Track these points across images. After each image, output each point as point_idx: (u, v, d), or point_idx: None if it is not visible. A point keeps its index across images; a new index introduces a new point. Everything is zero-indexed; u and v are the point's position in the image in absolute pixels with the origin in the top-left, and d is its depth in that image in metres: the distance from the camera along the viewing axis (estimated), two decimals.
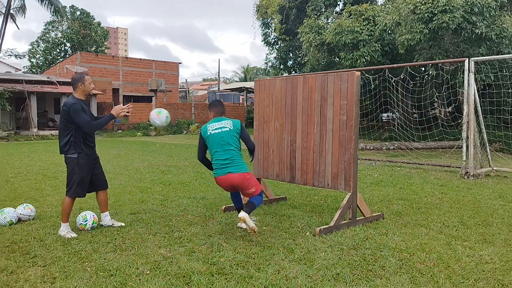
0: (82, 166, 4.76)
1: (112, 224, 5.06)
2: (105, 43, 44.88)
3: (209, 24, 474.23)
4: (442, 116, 19.76)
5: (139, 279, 3.49)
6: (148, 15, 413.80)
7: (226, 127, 4.76)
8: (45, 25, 41.75)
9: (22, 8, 25.00)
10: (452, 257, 4.01)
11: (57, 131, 21.56)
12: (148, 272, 3.64)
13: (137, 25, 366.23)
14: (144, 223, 5.18)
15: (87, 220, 4.88)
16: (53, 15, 32.43)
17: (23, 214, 5.24)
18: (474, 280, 3.52)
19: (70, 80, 28.92)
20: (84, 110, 4.68)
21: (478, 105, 9.13)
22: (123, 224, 5.10)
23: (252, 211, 4.60)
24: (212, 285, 3.40)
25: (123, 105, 5.03)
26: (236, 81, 54.96)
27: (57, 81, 26.48)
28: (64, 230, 4.67)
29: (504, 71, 13.19)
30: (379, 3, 21.02)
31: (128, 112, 4.83)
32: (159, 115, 5.01)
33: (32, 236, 4.62)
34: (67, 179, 4.84)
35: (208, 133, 4.79)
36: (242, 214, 4.38)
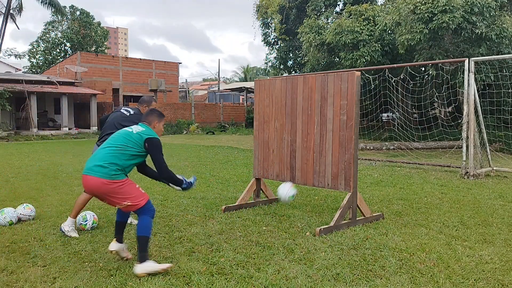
0: None
1: (131, 222, 5.08)
2: (105, 43, 44.86)
3: (208, 24, 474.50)
4: (442, 116, 19.76)
5: (139, 279, 3.49)
6: (145, 15, 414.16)
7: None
8: (45, 25, 41.72)
9: (19, 8, 24.99)
10: (452, 257, 4.01)
11: (57, 131, 21.47)
12: None
13: (134, 24, 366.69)
14: None
15: (87, 220, 4.88)
16: (53, 15, 32.43)
17: (23, 214, 5.23)
18: (474, 280, 3.52)
19: (70, 80, 28.82)
20: None
21: (478, 105, 9.13)
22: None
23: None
24: (212, 285, 3.40)
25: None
26: (236, 81, 54.95)
27: (57, 81, 26.48)
28: (69, 226, 4.64)
29: (504, 71, 13.18)
30: (379, 3, 21.03)
31: None
32: (291, 190, 4.92)
33: (32, 236, 4.62)
34: None
35: None
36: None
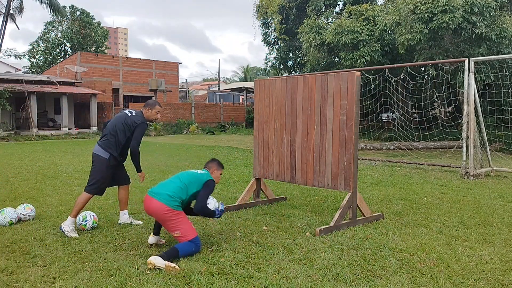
0: (110, 168, 4.89)
1: (131, 222, 5.11)
2: (105, 43, 44.85)
3: (207, 24, 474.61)
4: (442, 116, 19.76)
5: (139, 279, 3.49)
6: (145, 14, 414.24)
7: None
8: (45, 25, 41.72)
9: (20, 8, 25.00)
10: (452, 257, 4.01)
11: (57, 131, 21.50)
12: (148, 272, 3.64)
13: (134, 24, 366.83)
14: (144, 223, 5.18)
15: (87, 220, 4.88)
16: (53, 15, 32.41)
17: (23, 214, 5.23)
18: (474, 280, 3.52)
19: (70, 80, 28.82)
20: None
21: (478, 105, 9.13)
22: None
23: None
24: (212, 285, 3.40)
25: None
26: (236, 81, 54.96)
27: (57, 81, 26.47)
28: (69, 226, 4.64)
29: (504, 71, 13.19)
30: (379, 3, 21.04)
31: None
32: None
33: (32, 236, 4.62)
34: (90, 174, 4.92)
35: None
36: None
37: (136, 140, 4.86)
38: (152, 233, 4.38)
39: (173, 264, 3.68)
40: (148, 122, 5.06)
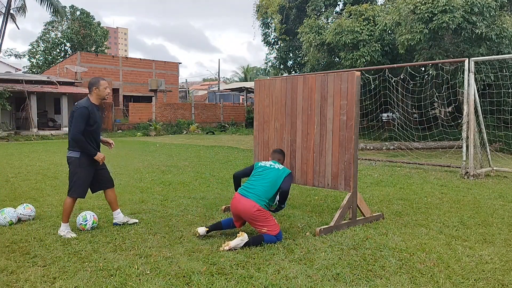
0: (84, 166, 4.74)
1: (127, 221, 5.08)
2: (105, 43, 44.86)
3: (206, 24, 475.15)
4: (442, 116, 19.76)
5: (139, 279, 3.49)
6: (144, 14, 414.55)
7: (275, 167, 4.83)
8: (45, 25, 41.74)
9: (23, 8, 25.00)
10: (452, 257, 4.01)
11: (57, 131, 21.52)
12: (148, 272, 3.64)
13: (132, 24, 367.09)
14: (144, 223, 5.18)
15: (87, 220, 4.88)
16: (53, 15, 32.43)
17: (23, 214, 5.23)
18: (474, 280, 3.52)
19: (70, 80, 28.85)
20: (91, 116, 4.67)
21: (478, 105, 9.13)
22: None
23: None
24: (212, 285, 3.40)
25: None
26: (236, 81, 54.98)
27: (57, 81, 26.48)
28: (64, 230, 4.67)
29: (504, 71, 13.19)
30: (379, 3, 21.03)
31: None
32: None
33: (32, 236, 4.62)
34: (68, 179, 4.82)
35: (260, 165, 4.94)
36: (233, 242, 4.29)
37: (74, 127, 4.58)
38: (206, 227, 4.61)
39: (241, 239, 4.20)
40: (95, 104, 4.79)
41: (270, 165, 4.83)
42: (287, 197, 4.77)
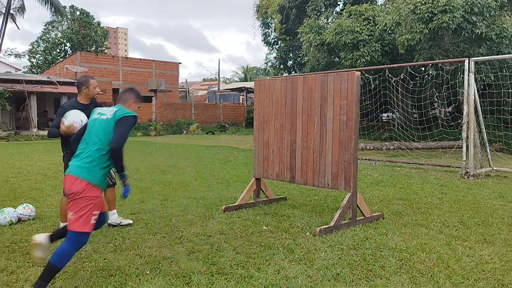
0: None
1: (120, 222, 5.06)
2: (105, 43, 44.84)
3: (205, 24, 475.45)
4: (442, 116, 19.76)
5: (139, 279, 3.49)
6: (142, 14, 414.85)
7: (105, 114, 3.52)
8: (45, 25, 41.72)
9: (22, 8, 25.00)
10: (452, 257, 4.01)
11: None
12: (148, 272, 3.64)
13: (131, 24, 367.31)
14: (144, 223, 5.18)
15: None
16: (53, 15, 32.42)
17: (23, 214, 5.23)
18: (474, 280, 3.52)
19: (70, 80, 28.82)
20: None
21: (478, 105, 9.12)
22: (131, 222, 5.12)
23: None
24: (212, 285, 3.40)
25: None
26: (236, 81, 54.96)
27: (57, 81, 26.47)
28: None
29: (504, 71, 13.18)
30: (379, 3, 21.04)
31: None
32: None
33: (32, 236, 4.61)
34: None
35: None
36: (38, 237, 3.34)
37: (54, 124, 4.49)
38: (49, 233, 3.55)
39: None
40: (85, 103, 4.71)
41: (99, 113, 3.56)
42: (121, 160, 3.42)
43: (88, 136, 3.43)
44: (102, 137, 3.36)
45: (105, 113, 3.52)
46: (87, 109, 4.69)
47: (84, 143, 3.43)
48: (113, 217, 5.07)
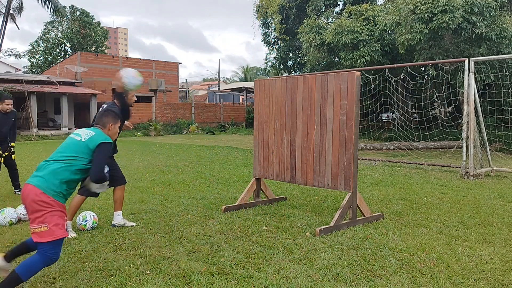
0: None
1: (124, 224, 5.05)
2: (105, 43, 44.84)
3: (204, 24, 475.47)
4: (442, 116, 19.76)
5: (139, 279, 3.49)
6: (141, 14, 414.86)
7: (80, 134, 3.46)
8: (45, 25, 41.72)
9: (20, 8, 24.99)
10: (452, 257, 4.01)
11: (57, 131, 21.45)
12: (148, 272, 3.64)
13: (130, 24, 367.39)
14: (144, 223, 5.18)
15: (87, 220, 4.88)
16: (53, 15, 32.40)
17: (23, 214, 5.23)
18: (474, 280, 3.52)
19: (70, 80, 28.72)
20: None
21: (478, 105, 9.12)
22: (135, 224, 5.10)
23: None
24: (212, 285, 3.40)
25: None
26: (236, 81, 54.96)
27: (57, 81, 26.47)
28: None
29: (504, 71, 13.18)
30: (379, 3, 21.04)
31: None
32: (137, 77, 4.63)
33: None
34: None
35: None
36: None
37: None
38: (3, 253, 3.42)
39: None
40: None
41: (76, 133, 3.53)
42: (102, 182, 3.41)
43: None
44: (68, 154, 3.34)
45: (80, 134, 3.47)
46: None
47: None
48: (118, 218, 5.06)
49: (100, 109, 4.84)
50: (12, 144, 7.09)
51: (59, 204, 3.20)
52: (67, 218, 4.70)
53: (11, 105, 6.78)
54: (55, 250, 3.15)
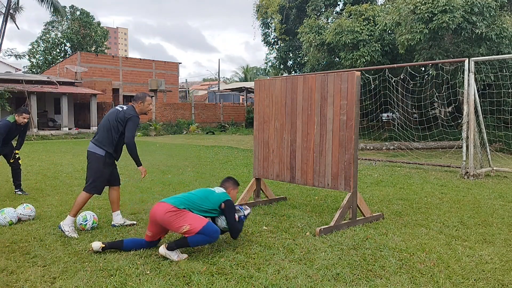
0: (108, 166, 4.88)
1: (124, 222, 5.06)
2: (105, 43, 44.84)
3: (204, 24, 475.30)
4: (442, 116, 19.76)
5: (139, 279, 3.49)
6: (140, 14, 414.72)
7: None
8: (45, 25, 41.73)
9: (18, 8, 24.99)
10: (452, 257, 4.01)
11: (57, 131, 21.50)
12: (148, 272, 3.64)
13: (129, 24, 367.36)
14: (144, 223, 5.18)
15: (87, 220, 4.88)
16: (52, 15, 32.41)
17: (23, 214, 5.23)
18: (474, 280, 3.52)
19: (70, 80, 28.74)
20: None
21: (478, 105, 9.13)
22: (135, 222, 5.12)
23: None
24: (212, 285, 3.40)
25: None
26: (236, 81, 54.97)
27: (57, 81, 26.48)
28: (69, 226, 4.63)
29: (504, 71, 13.19)
30: (379, 3, 21.05)
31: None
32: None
33: (32, 236, 4.62)
34: (88, 173, 4.91)
35: None
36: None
37: (130, 132, 4.78)
38: (102, 242, 4.13)
39: (181, 258, 3.92)
40: (141, 115, 5.06)
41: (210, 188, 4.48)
42: (238, 231, 4.29)
43: None
44: None
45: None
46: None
47: None
48: (117, 218, 5.07)
49: (116, 111, 4.93)
50: (17, 151, 7.11)
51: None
52: (71, 214, 4.72)
53: (27, 119, 6.80)
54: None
